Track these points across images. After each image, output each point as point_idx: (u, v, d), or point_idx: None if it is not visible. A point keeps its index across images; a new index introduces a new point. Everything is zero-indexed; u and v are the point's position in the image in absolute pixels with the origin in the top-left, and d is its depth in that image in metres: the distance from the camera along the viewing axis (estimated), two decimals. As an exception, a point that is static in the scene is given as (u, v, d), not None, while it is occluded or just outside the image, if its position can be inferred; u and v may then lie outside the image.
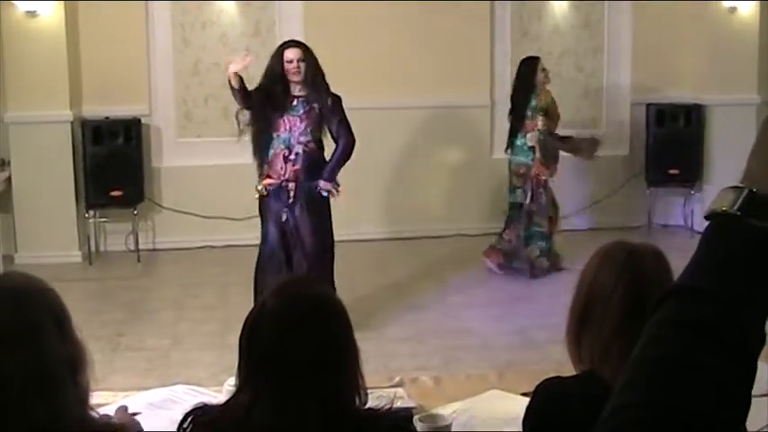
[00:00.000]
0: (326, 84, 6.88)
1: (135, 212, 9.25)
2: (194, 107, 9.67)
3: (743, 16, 10.03)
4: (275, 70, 6.82)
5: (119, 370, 6.20)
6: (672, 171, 9.97)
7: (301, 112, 6.82)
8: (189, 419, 2.41)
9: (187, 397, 3.57)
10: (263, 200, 6.96)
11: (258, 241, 9.44)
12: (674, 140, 9.96)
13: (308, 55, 6.84)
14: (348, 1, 9.45)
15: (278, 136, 6.82)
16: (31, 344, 2.15)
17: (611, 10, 10.28)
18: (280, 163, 6.80)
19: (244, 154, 9.54)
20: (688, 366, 1.01)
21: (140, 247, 9.27)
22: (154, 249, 9.51)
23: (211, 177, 9.56)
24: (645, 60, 10.15)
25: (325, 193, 6.82)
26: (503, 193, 9.75)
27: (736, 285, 1.03)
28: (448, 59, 9.73)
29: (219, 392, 3.38)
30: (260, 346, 2.34)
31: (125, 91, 9.33)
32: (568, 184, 9.59)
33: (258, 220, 9.40)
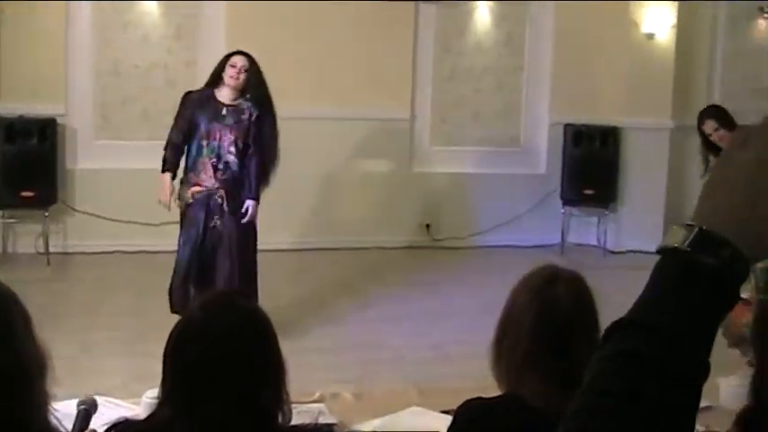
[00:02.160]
0: (270, 100, 6.85)
1: (46, 214, 9.07)
2: (112, 109, 9.53)
3: (660, 43, 10.23)
4: (217, 74, 6.81)
5: (26, 376, 6.04)
6: (587, 191, 10.10)
7: (232, 122, 6.73)
8: (110, 435, 2.36)
9: (104, 409, 3.48)
10: (187, 207, 6.77)
11: (173, 248, 9.38)
12: (589, 161, 10.09)
13: (253, 67, 6.80)
14: (273, 9, 9.40)
15: (207, 144, 6.71)
16: (8, 344, 2.10)
17: (533, 29, 10.39)
18: (209, 171, 6.68)
19: (160, 158, 9.49)
20: (633, 398, 1.04)
21: (51, 249, 9.09)
22: (65, 253, 9.31)
23: (127, 181, 9.40)
24: (564, 81, 10.27)
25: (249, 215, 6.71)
26: (422, 207, 9.83)
27: (682, 320, 1.07)
28: (371, 72, 9.74)
29: (137, 404, 3.31)
30: (184, 360, 2.30)
31: (41, 90, 9.15)
32: (485, 200, 9.67)
33: (174, 227, 9.34)
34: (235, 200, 6.69)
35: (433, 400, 3.49)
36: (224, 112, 6.75)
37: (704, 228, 1.10)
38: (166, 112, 9.52)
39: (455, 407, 3.39)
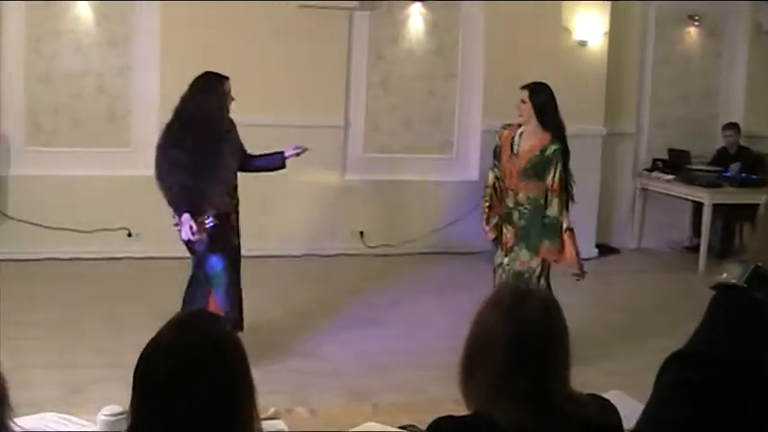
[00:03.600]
0: None
1: (-23, 221, 8.95)
2: (44, 116, 9.41)
3: (592, 50, 10.36)
4: (218, 107, 6.63)
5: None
6: (519, 197, 10.16)
7: (228, 147, 6.70)
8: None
9: (58, 426, 3.44)
10: (212, 232, 6.58)
11: (105, 255, 9.30)
12: (522, 168, 10.15)
13: None
14: (207, 16, 9.36)
15: (219, 173, 6.58)
16: None
17: (466, 37, 10.45)
18: (225, 199, 6.65)
19: (92, 165, 9.41)
20: (688, 426, 1.13)
21: (-18, 257, 8.95)
22: (-3, 260, 9.17)
23: (60, 188, 9.32)
24: (496, 89, 10.33)
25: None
26: (354, 214, 9.82)
27: (737, 351, 1.14)
28: (305, 79, 9.73)
29: (91, 422, 3.27)
30: (153, 382, 2.27)
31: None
32: (418, 207, 9.71)
33: (104, 233, 9.27)
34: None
35: (389, 417, 3.49)
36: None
37: (759, 265, 1.16)
38: (97, 118, 9.47)
39: (410, 423, 3.41)
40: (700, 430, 1.12)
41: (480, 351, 2.50)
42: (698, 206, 10.67)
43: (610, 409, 2.58)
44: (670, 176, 10.74)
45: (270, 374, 6.46)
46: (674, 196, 10.81)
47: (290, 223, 9.94)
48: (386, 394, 6.17)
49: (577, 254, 6.84)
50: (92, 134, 9.52)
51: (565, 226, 6.74)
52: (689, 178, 10.45)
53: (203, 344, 2.31)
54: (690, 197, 10.67)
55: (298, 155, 7.07)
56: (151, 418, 2.26)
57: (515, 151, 6.79)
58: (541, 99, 6.93)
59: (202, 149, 6.41)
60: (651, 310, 8.39)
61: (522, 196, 6.73)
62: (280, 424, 3.38)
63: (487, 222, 6.95)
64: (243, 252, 9.36)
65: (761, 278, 1.15)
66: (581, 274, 6.87)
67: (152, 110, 9.43)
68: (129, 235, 9.39)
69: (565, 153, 6.83)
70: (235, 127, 6.83)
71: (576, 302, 8.61)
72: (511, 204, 6.79)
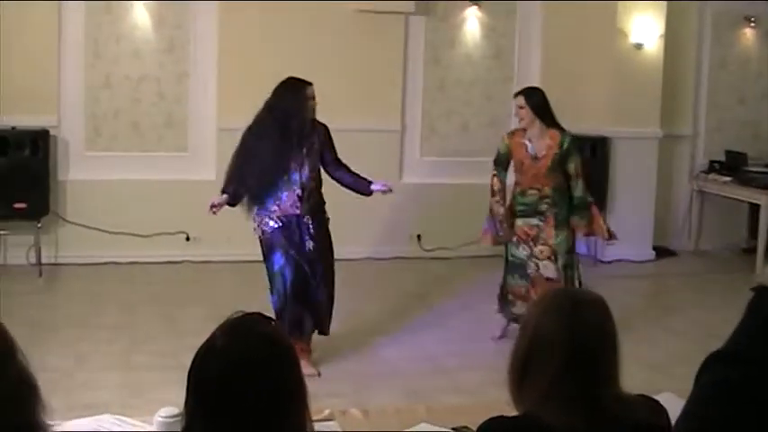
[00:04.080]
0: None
1: (39, 226, 9.07)
2: (104, 121, 9.53)
3: (648, 53, 10.30)
4: (296, 108, 6.70)
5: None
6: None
7: (305, 150, 6.74)
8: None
9: (114, 427, 3.49)
10: (275, 232, 6.66)
11: (163, 259, 9.41)
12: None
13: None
14: (264, 21, 9.44)
15: (290, 176, 6.65)
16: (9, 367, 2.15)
17: (522, 41, 10.45)
18: (294, 201, 6.68)
19: (150, 170, 9.52)
20: (729, 424, 1.16)
21: (43, 261, 9.09)
22: (56, 264, 9.31)
23: (118, 192, 9.44)
24: (552, 92, 10.27)
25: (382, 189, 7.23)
26: (411, 218, 9.84)
27: None
28: (362, 84, 9.79)
29: (147, 423, 3.32)
30: (207, 385, 2.31)
31: (34, 102, 9.15)
32: (472, 210, 9.68)
33: (164, 237, 9.37)
34: (320, 221, 6.93)
35: (442, 418, 3.50)
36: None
37: None
38: (157, 124, 9.59)
39: (464, 424, 3.43)
40: (741, 429, 1.14)
41: (535, 354, 2.51)
42: (755, 208, 10.56)
43: (659, 410, 2.57)
44: (727, 178, 10.64)
45: (330, 376, 6.53)
46: (730, 198, 10.72)
47: (348, 227, 9.96)
48: (443, 396, 6.19)
49: (604, 220, 7.68)
50: (150, 139, 9.63)
51: (590, 200, 7.44)
52: (746, 180, 10.35)
53: (256, 347, 2.35)
54: (747, 199, 10.57)
55: (383, 192, 7.21)
56: (205, 419, 2.30)
57: (534, 155, 7.22)
58: (537, 101, 7.37)
59: (271, 149, 6.56)
60: (709, 312, 8.32)
61: (548, 190, 7.24)
62: (334, 425, 3.41)
63: (503, 225, 7.40)
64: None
65: None
66: (612, 236, 7.65)
67: (209, 115, 9.55)
68: (188, 239, 9.49)
69: (575, 140, 7.44)
70: (324, 131, 6.96)
71: (634, 304, 8.64)
72: (534, 200, 7.28)
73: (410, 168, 10.25)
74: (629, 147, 10.35)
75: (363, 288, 8.92)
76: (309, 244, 6.73)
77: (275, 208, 6.61)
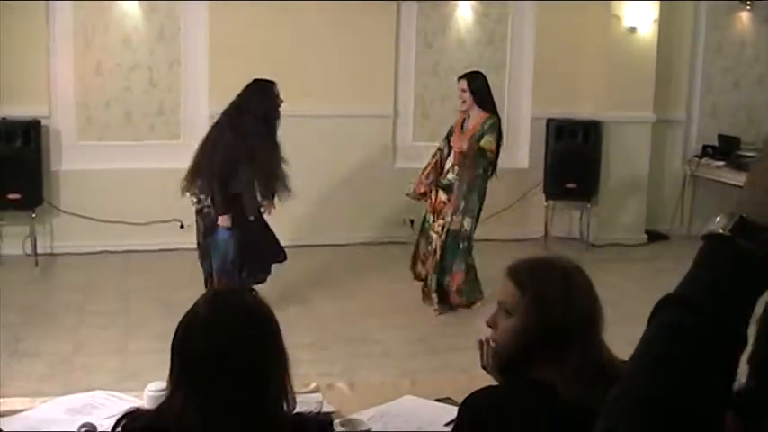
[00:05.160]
0: None
1: (33, 216, 9.10)
2: (95, 110, 9.54)
3: (642, 37, 10.32)
4: (274, 110, 7.44)
5: (17, 375, 6.09)
6: (569, 185, 10.17)
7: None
8: (122, 423, 2.42)
9: (107, 402, 3.54)
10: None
11: (159, 247, 9.46)
12: (572, 155, 10.18)
13: None
14: (255, 8, 9.45)
15: None
16: None
17: (515, 27, 10.46)
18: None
19: (143, 158, 9.56)
20: (673, 362, 1.20)
21: (38, 251, 9.13)
22: (52, 254, 9.34)
23: (112, 181, 9.46)
24: (546, 76, 10.35)
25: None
26: (404, 203, 9.86)
27: (722, 297, 1.22)
28: (353, 69, 9.80)
29: (139, 398, 3.36)
30: (191, 354, 2.36)
31: (24, 92, 9.15)
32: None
33: (158, 225, 9.43)
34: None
35: (426, 390, 3.54)
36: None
37: (744, 215, 1.24)
38: (149, 112, 9.61)
39: (447, 395, 3.46)
40: (693, 373, 1.19)
41: (532, 319, 2.51)
42: (748, 192, 10.56)
43: None
44: (720, 163, 10.65)
45: (321, 357, 6.58)
46: (723, 183, 10.73)
47: (341, 212, 10.02)
48: (435, 374, 6.25)
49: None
50: (142, 127, 9.65)
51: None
52: (738, 165, 10.36)
53: (237, 317, 2.40)
54: (739, 183, 10.47)
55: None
56: (188, 387, 2.35)
57: (463, 131, 7.94)
58: (479, 86, 8.01)
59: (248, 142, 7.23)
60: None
61: (459, 168, 7.90)
62: (319, 396, 3.46)
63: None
64: (296, 241, 9.54)
65: (745, 228, 1.22)
66: None
67: (201, 103, 9.56)
68: (182, 226, 9.49)
69: (496, 123, 7.94)
70: None
71: (626, 287, 8.67)
72: (451, 176, 7.94)
73: (403, 153, 10.27)
74: (623, 131, 10.38)
75: (356, 272, 9.00)
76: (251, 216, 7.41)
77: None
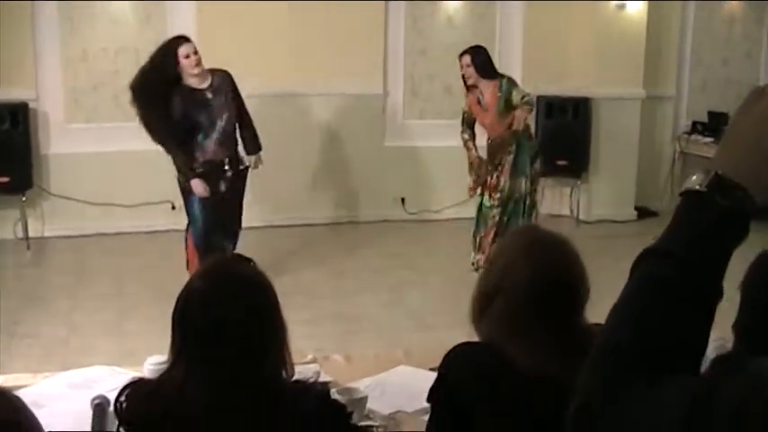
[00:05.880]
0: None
1: (24, 199, 9.09)
2: (83, 93, 9.51)
3: (631, 14, 10.32)
4: (172, 69, 7.19)
5: (15, 357, 6.12)
6: (559, 162, 10.18)
7: (220, 102, 7.28)
8: (125, 393, 2.45)
9: (108, 377, 3.57)
10: (194, 181, 7.30)
11: (150, 229, 9.43)
12: (561, 132, 10.19)
13: (195, 46, 7.29)
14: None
15: (212, 127, 7.28)
16: None
17: (504, 5, 10.45)
18: (213, 147, 7.29)
19: (132, 140, 9.51)
20: (659, 313, 1.26)
21: (29, 234, 9.12)
22: (43, 237, 9.33)
23: (101, 164, 9.44)
24: (535, 54, 10.35)
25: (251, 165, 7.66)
26: (395, 181, 9.90)
27: (699, 249, 1.28)
28: (343, 48, 9.78)
29: (139, 372, 3.39)
30: (191, 325, 2.39)
31: (11, 75, 9.09)
32: (457, 173, 9.76)
33: (149, 207, 9.40)
34: (237, 166, 7.50)
35: (420, 361, 3.57)
36: (209, 95, 7.26)
37: (720, 173, 1.29)
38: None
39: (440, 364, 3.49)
40: (675, 318, 1.25)
41: (502, 288, 2.57)
42: (736, 168, 10.60)
43: None
44: (709, 139, 10.67)
45: (314, 334, 6.60)
46: (713, 159, 10.77)
47: (332, 190, 10.04)
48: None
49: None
50: (131, 110, 9.51)
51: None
52: (728, 141, 10.39)
53: (235, 287, 2.44)
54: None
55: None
56: (189, 357, 2.39)
57: (485, 106, 7.91)
58: (483, 59, 7.93)
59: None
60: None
61: (505, 136, 7.89)
62: (316, 367, 3.50)
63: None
64: (288, 220, 9.54)
65: (722, 184, 1.28)
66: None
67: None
68: (173, 207, 9.48)
69: (510, 79, 8.01)
70: (229, 86, 7.40)
71: (616, 264, 8.65)
72: (495, 149, 7.96)
73: (393, 132, 10.28)
74: (612, 107, 10.39)
75: (348, 250, 9.03)
76: (223, 185, 7.35)
77: (198, 155, 7.26)
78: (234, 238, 7.65)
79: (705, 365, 1.25)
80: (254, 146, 7.64)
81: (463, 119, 8.14)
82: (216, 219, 7.38)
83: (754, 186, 1.28)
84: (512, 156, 7.86)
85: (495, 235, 7.80)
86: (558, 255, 2.59)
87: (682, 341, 1.26)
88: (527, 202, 7.96)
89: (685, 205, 1.32)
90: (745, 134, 1.33)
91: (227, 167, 7.36)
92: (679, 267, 1.27)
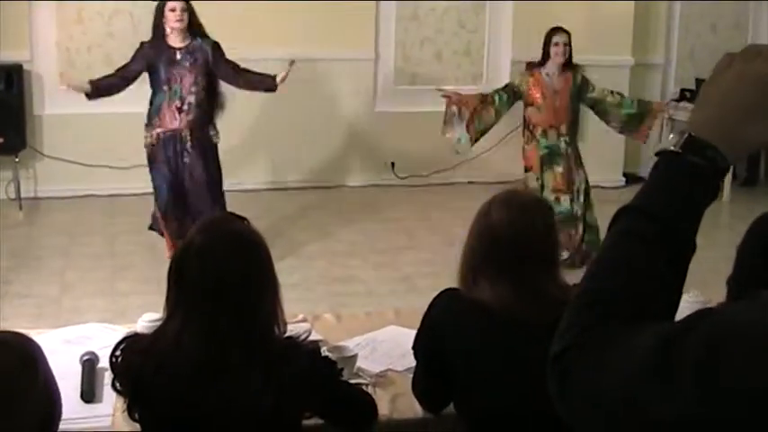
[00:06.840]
0: (206, 35, 7.27)
1: (16, 160, 9.14)
2: (77, 55, 9.55)
3: (620, -21, 10.35)
4: (158, 24, 7.15)
5: (8, 317, 6.18)
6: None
7: (187, 64, 7.13)
8: (121, 347, 2.53)
9: (102, 334, 3.65)
10: (153, 149, 7.20)
11: (143, 191, 9.46)
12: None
13: (189, 7, 7.16)
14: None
15: (169, 88, 7.10)
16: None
17: (495, -32, 10.47)
18: (174, 114, 7.10)
19: (127, 102, 9.53)
20: (638, 266, 1.35)
21: (22, 195, 9.17)
22: (36, 198, 9.39)
23: (95, 125, 9.45)
24: (523, 20, 10.38)
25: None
26: (385, 145, 9.94)
27: (674, 206, 1.37)
28: (333, 12, 9.79)
29: (132, 329, 3.47)
30: (187, 281, 2.48)
31: (5, 36, 9.10)
32: (447, 138, 9.85)
33: (142, 169, 9.42)
34: (201, 137, 7.18)
35: (410, 321, 3.68)
36: (178, 56, 7.13)
37: (693, 133, 1.38)
38: (129, 56, 9.58)
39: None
40: (653, 270, 1.33)
41: (488, 249, 2.76)
42: (725, 134, 10.66)
43: None
44: (697, 106, 10.73)
45: (306, 297, 6.70)
46: (701, 125, 10.83)
47: (322, 155, 10.10)
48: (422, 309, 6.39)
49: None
50: (124, 73, 9.63)
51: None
52: (716, 107, 10.46)
53: (230, 243, 2.53)
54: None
55: (284, 78, 7.61)
56: (185, 309, 2.48)
57: (554, 89, 7.81)
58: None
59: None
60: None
61: (564, 128, 7.89)
62: (307, 325, 3.59)
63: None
64: (279, 184, 9.58)
65: (694, 144, 1.36)
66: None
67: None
68: (166, 170, 9.56)
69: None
70: (213, 46, 7.28)
71: (604, 229, 8.74)
72: (554, 140, 7.84)
73: (384, 97, 10.33)
74: (601, 75, 10.34)
75: (338, 214, 9.10)
76: (187, 158, 7.15)
77: (157, 121, 7.16)
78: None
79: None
80: (265, 76, 7.56)
81: (507, 87, 7.98)
82: (175, 193, 7.23)
83: (724, 145, 1.37)
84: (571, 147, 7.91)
85: (584, 225, 7.57)
86: (532, 210, 2.78)
87: (656, 291, 1.34)
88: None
89: (661, 164, 1.41)
90: (715, 96, 1.42)
91: (188, 141, 7.15)
92: (654, 222, 1.35)
